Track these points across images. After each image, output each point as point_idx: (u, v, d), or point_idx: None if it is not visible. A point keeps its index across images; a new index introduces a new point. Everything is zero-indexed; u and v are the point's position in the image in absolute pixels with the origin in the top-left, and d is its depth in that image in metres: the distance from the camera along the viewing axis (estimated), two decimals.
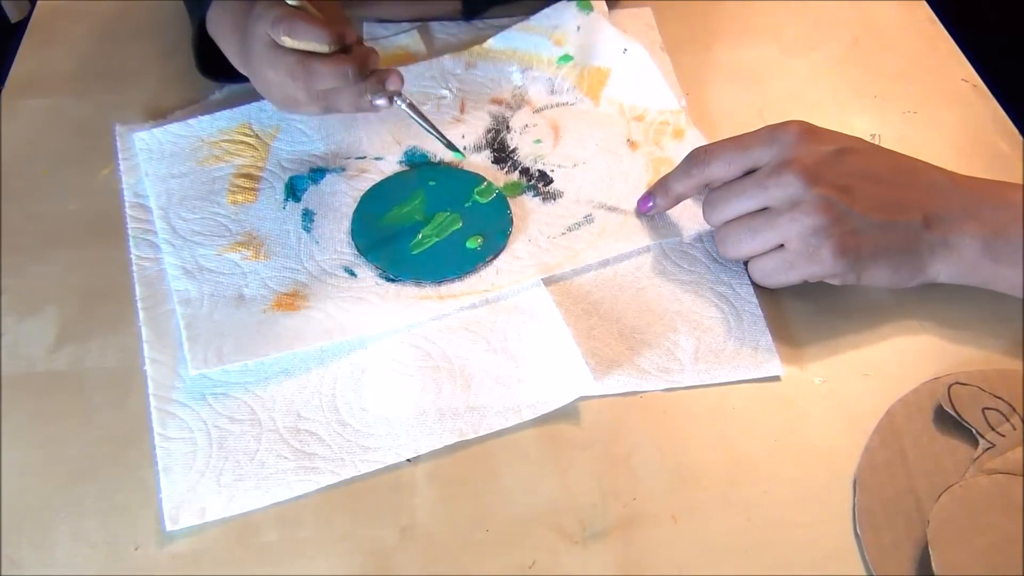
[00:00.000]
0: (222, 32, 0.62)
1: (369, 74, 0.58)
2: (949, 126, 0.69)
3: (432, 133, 0.62)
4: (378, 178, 0.65)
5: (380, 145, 0.67)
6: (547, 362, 0.55)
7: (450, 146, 0.63)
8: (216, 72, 0.67)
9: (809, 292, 0.58)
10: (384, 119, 0.68)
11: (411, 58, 0.74)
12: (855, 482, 0.50)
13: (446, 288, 0.59)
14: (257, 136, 0.67)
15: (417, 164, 0.66)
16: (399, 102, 0.60)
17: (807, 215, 0.52)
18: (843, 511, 0.50)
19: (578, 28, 0.73)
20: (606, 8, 0.75)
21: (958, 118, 0.70)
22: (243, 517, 0.49)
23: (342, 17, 0.60)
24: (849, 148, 0.55)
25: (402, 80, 0.59)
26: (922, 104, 0.71)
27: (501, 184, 0.65)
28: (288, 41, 0.56)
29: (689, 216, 0.63)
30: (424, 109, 0.69)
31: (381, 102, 0.59)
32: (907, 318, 0.58)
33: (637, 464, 0.51)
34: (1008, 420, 0.51)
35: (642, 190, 0.64)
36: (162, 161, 0.66)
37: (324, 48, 0.56)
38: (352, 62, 0.57)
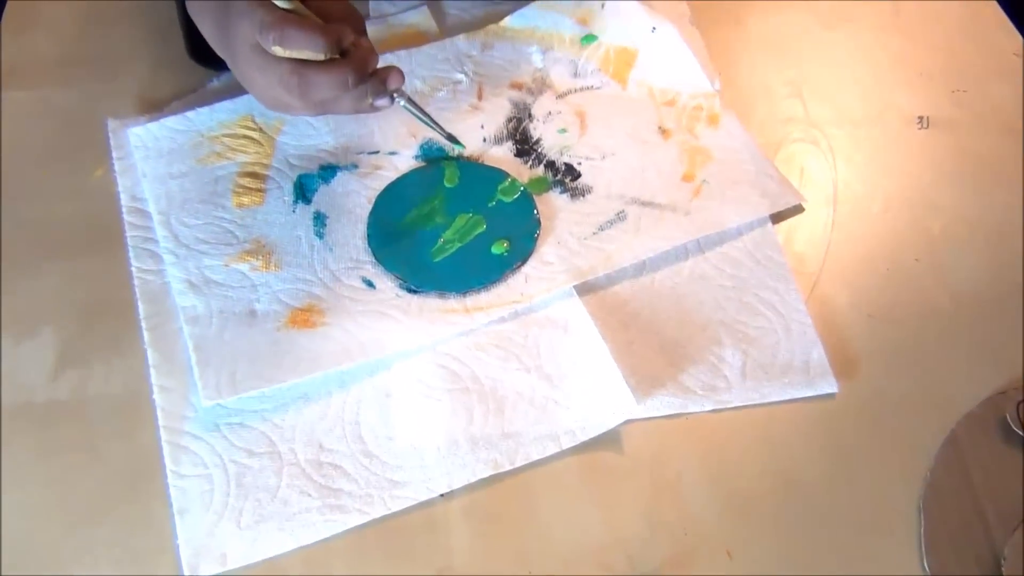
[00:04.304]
0: (201, 18, 0.55)
1: (369, 76, 0.52)
2: (1000, 106, 0.64)
3: (431, 126, 0.57)
4: (393, 175, 0.59)
5: (394, 138, 0.61)
6: (585, 382, 0.51)
7: (450, 138, 0.58)
8: (210, 58, 0.59)
9: (861, 297, 0.54)
10: (396, 109, 0.62)
11: (421, 38, 0.67)
12: (919, 509, 0.46)
13: (472, 300, 0.54)
14: (261, 130, 0.61)
15: (434, 159, 0.60)
16: (397, 99, 0.54)
17: None
18: (908, 540, 0.46)
19: (602, 5, 0.66)
20: None
21: (1009, 96, 0.64)
22: (267, 563, 0.45)
23: (344, 8, 0.52)
24: None
25: (403, 77, 0.53)
26: (971, 81, 0.65)
27: (525, 180, 0.59)
28: (279, 51, 0.48)
29: (730, 206, 0.58)
30: (439, 95, 0.64)
31: (382, 102, 0.53)
32: (969, 325, 0.53)
33: (686, 493, 0.47)
34: None
35: (677, 182, 0.59)
36: (160, 160, 0.60)
37: (319, 56, 0.49)
38: (351, 67, 0.50)
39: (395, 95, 0.53)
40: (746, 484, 0.48)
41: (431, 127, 0.57)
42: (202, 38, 0.56)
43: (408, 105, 0.55)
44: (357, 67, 0.50)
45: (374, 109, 0.53)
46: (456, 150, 0.60)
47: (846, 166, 0.61)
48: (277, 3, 0.49)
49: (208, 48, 0.55)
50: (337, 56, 0.50)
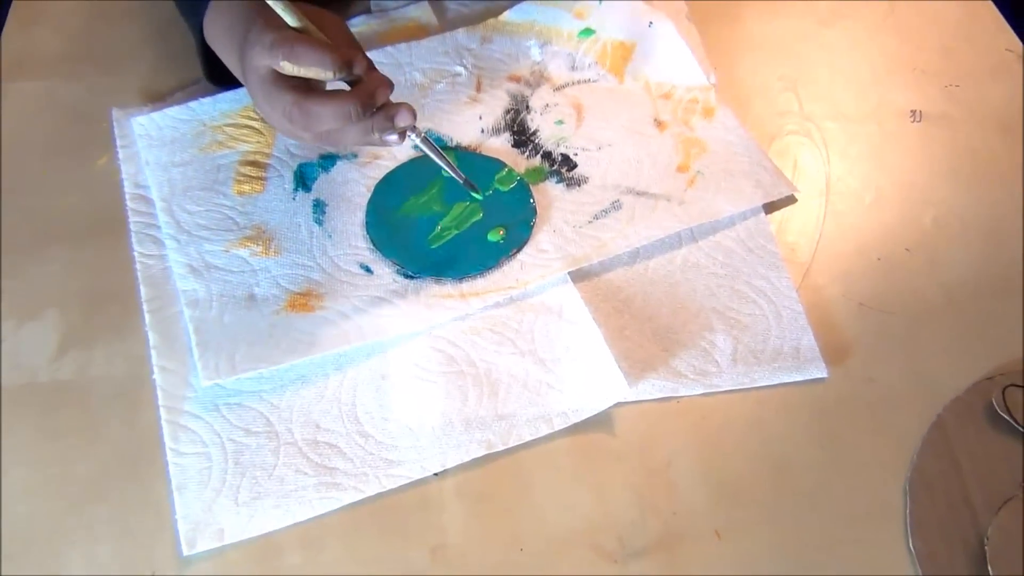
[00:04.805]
0: (218, 45, 0.55)
1: (377, 109, 0.49)
2: (993, 101, 0.65)
3: (449, 172, 0.55)
4: (392, 165, 0.60)
5: None
6: (578, 366, 0.52)
7: (469, 185, 0.56)
8: (229, 80, 0.58)
9: (852, 286, 0.55)
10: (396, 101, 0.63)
11: (422, 31, 0.68)
12: (906, 492, 0.47)
13: (468, 285, 0.55)
14: (262, 120, 0.62)
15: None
16: (412, 136, 0.51)
17: None
18: (894, 523, 0.47)
19: (600, 1, 0.67)
20: None
21: (1003, 92, 0.65)
22: (264, 539, 0.46)
23: (352, 42, 0.51)
24: None
25: (414, 115, 0.50)
26: (964, 77, 0.66)
27: (522, 170, 0.60)
28: (288, 67, 0.47)
29: (724, 196, 0.58)
30: (438, 87, 0.65)
31: (392, 138, 0.50)
32: (957, 312, 0.54)
33: (676, 476, 0.48)
34: None
35: (671, 173, 0.60)
36: (163, 148, 0.61)
37: (328, 75, 0.48)
38: (356, 99, 0.48)
39: (409, 132, 0.51)
40: (736, 467, 0.48)
41: (447, 169, 0.54)
42: (219, 61, 0.56)
43: (423, 145, 0.52)
44: (363, 99, 0.48)
45: (384, 143, 0.51)
46: (473, 197, 0.58)
47: (839, 159, 0.62)
48: (288, 21, 0.48)
49: (226, 71, 0.55)
50: (347, 83, 0.49)
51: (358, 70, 0.48)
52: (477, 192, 0.57)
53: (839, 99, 0.65)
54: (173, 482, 0.48)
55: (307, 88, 0.49)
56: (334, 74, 0.48)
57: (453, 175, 0.55)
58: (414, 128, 0.51)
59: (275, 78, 0.48)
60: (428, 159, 0.60)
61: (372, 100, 0.48)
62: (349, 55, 0.48)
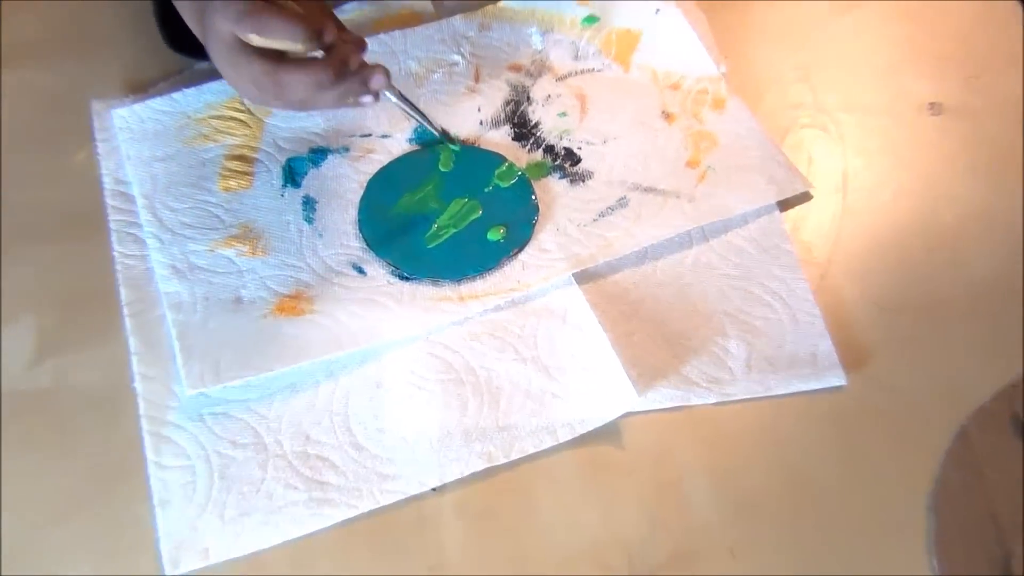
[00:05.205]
0: (182, 7, 0.52)
1: (352, 73, 0.49)
2: (1016, 92, 0.62)
3: (424, 123, 0.55)
4: (386, 159, 0.58)
5: (387, 121, 0.60)
6: (583, 374, 0.50)
7: (443, 135, 0.56)
8: (188, 46, 0.57)
9: (871, 288, 0.53)
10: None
11: (416, 18, 0.66)
12: (928, 507, 0.45)
13: (467, 287, 0.53)
14: (249, 112, 0.60)
15: (429, 142, 0.59)
16: (387, 95, 0.52)
17: None
18: (916, 539, 0.45)
19: None
20: None
21: None
22: (251, 558, 0.44)
23: (321, 7, 0.50)
24: None
25: (388, 75, 0.50)
26: (985, 67, 0.63)
27: (523, 164, 0.58)
28: (256, 39, 0.46)
29: (736, 193, 0.56)
30: (435, 77, 0.62)
31: (367, 100, 0.50)
32: (982, 314, 0.52)
33: (688, 490, 0.46)
34: None
35: (681, 168, 0.58)
36: (144, 142, 0.58)
37: (298, 48, 0.47)
38: (328, 67, 0.47)
39: (384, 91, 0.51)
40: (750, 481, 0.47)
41: (422, 123, 0.55)
42: (178, 27, 0.54)
43: (398, 100, 0.53)
44: (336, 67, 0.47)
45: (359, 105, 0.51)
46: (452, 148, 0.58)
47: (856, 153, 0.60)
48: None
49: (186, 36, 0.53)
50: (317, 50, 0.47)
51: (329, 38, 0.47)
52: (455, 143, 0.57)
53: (855, 90, 0.63)
54: (155, 497, 0.45)
55: (276, 56, 0.47)
56: (304, 46, 0.47)
57: (429, 127, 0.55)
58: (390, 86, 0.51)
59: (242, 46, 0.47)
60: (424, 154, 0.58)
61: (345, 67, 0.48)
62: (319, 23, 0.47)
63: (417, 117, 0.55)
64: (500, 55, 0.63)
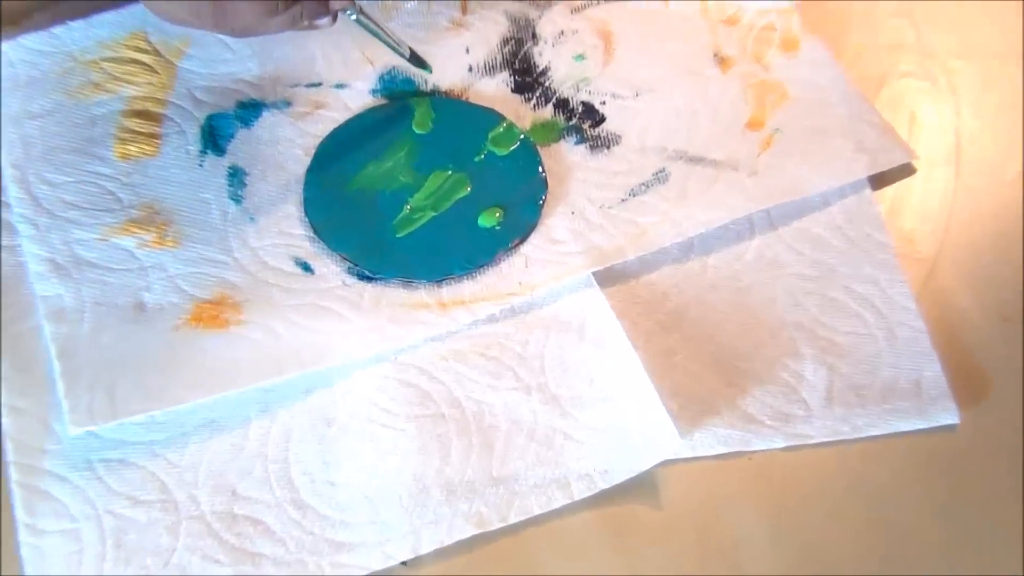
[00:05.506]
0: None
1: None
2: None
3: (390, 45, 0.58)
4: (342, 117, 0.60)
5: (342, 65, 0.62)
6: (607, 408, 0.51)
7: (415, 60, 0.59)
8: None
9: (992, 293, 0.55)
10: (346, 24, 0.61)
11: None
12: None
13: (450, 291, 0.54)
14: (156, 52, 0.62)
15: (400, 94, 0.61)
16: (348, 14, 0.55)
17: None
18: None
19: None
20: None
21: None
22: None
23: None
24: None
25: None
26: None
27: (528, 125, 0.60)
28: None
29: (812, 164, 0.58)
30: (408, 7, 0.64)
31: (323, 22, 0.54)
32: None
33: (744, 561, 0.48)
34: None
35: (739, 130, 0.59)
36: (15, 92, 0.60)
37: None
38: None
39: (346, 10, 0.54)
40: (828, 550, 0.48)
41: (390, 47, 0.57)
42: None
43: (361, 18, 0.55)
44: None
45: (313, 27, 0.54)
46: (424, 75, 0.61)
47: (972, 113, 0.62)
48: None
49: None
50: None
51: None
52: (428, 67, 0.60)
53: (972, 29, 0.65)
54: (27, 571, 0.46)
55: None
56: None
57: (397, 50, 0.58)
58: (352, 5, 0.54)
59: None
60: (392, 109, 0.61)
61: None
62: None
63: (383, 38, 0.57)
64: None
